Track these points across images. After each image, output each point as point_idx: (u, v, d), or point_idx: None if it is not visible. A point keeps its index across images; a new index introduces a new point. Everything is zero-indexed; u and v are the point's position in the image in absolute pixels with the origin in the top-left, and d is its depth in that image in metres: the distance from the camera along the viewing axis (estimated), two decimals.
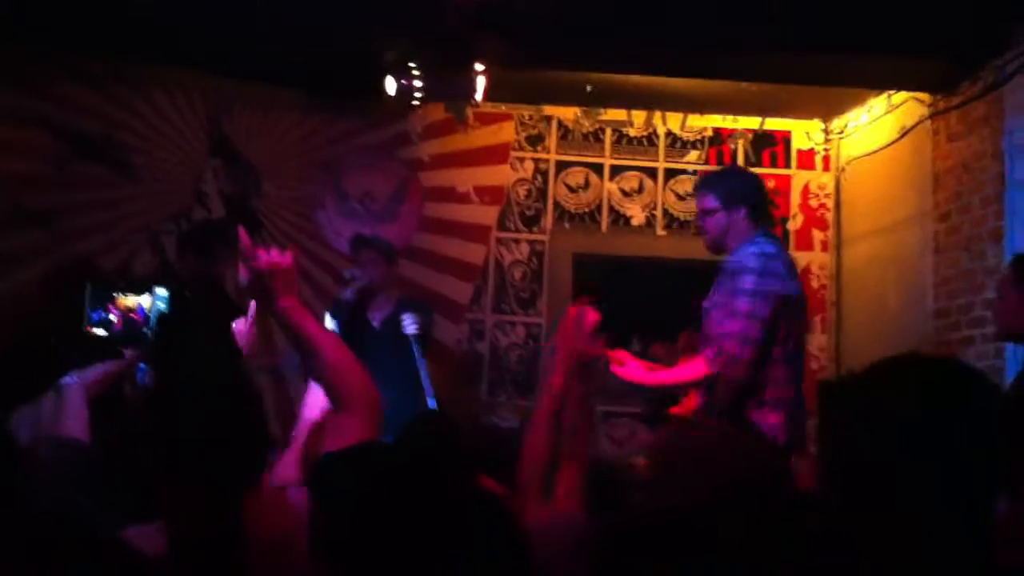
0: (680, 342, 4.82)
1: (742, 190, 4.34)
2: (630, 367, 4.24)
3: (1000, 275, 3.81)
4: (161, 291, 2.82)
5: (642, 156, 7.60)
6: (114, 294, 2.81)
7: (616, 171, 7.60)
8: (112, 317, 2.81)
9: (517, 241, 7.49)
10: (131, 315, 2.81)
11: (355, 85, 6.55)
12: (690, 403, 4.39)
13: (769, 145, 7.64)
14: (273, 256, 2.52)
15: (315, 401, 2.71)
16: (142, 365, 3.14)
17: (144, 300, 2.81)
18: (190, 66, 6.67)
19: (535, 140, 7.54)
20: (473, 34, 5.17)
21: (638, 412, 6.48)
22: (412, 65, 5.65)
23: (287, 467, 2.54)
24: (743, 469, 1.99)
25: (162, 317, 2.79)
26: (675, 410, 4.37)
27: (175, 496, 2.09)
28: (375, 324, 5.82)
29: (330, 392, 2.48)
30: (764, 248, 4.20)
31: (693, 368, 4.21)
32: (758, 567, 1.80)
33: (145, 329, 2.80)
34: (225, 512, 2.07)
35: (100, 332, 2.81)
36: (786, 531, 1.87)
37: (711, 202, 4.35)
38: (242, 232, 2.58)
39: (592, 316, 3.13)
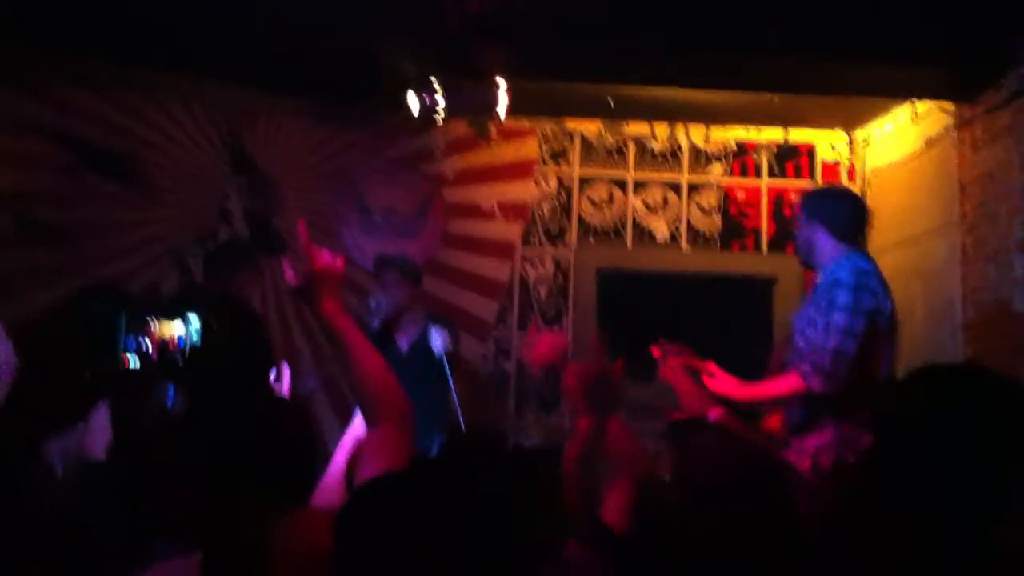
0: (772, 357, 4.83)
1: (824, 207, 4.40)
2: (721, 380, 4.28)
3: None
4: (194, 317, 2.81)
5: (666, 170, 7.59)
6: (149, 320, 2.79)
7: (640, 186, 7.59)
8: (146, 344, 2.80)
9: (542, 257, 7.48)
10: (165, 342, 2.79)
11: (377, 101, 6.57)
12: (774, 420, 4.42)
13: (793, 157, 7.61)
14: (326, 257, 2.53)
15: (359, 423, 2.70)
16: (171, 389, 3.12)
17: (178, 326, 2.80)
18: (210, 79, 6.67)
19: (558, 155, 7.54)
20: (481, 42, 5.17)
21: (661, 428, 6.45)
22: (432, 79, 5.66)
23: (327, 491, 2.52)
24: (743, 472, 1.99)
25: (194, 348, 2.77)
26: (678, 416, 4.33)
27: (209, 521, 2.08)
28: (403, 348, 5.75)
29: (363, 404, 2.48)
30: (858, 263, 4.22)
31: (787, 383, 4.23)
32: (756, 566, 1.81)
33: (178, 356, 2.78)
34: (259, 538, 2.06)
35: (133, 361, 2.79)
36: (782, 534, 1.87)
37: (800, 216, 4.53)
38: (302, 227, 2.62)
39: (559, 340, 3.21)
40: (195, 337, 2.73)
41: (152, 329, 2.77)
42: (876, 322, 4.15)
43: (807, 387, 4.11)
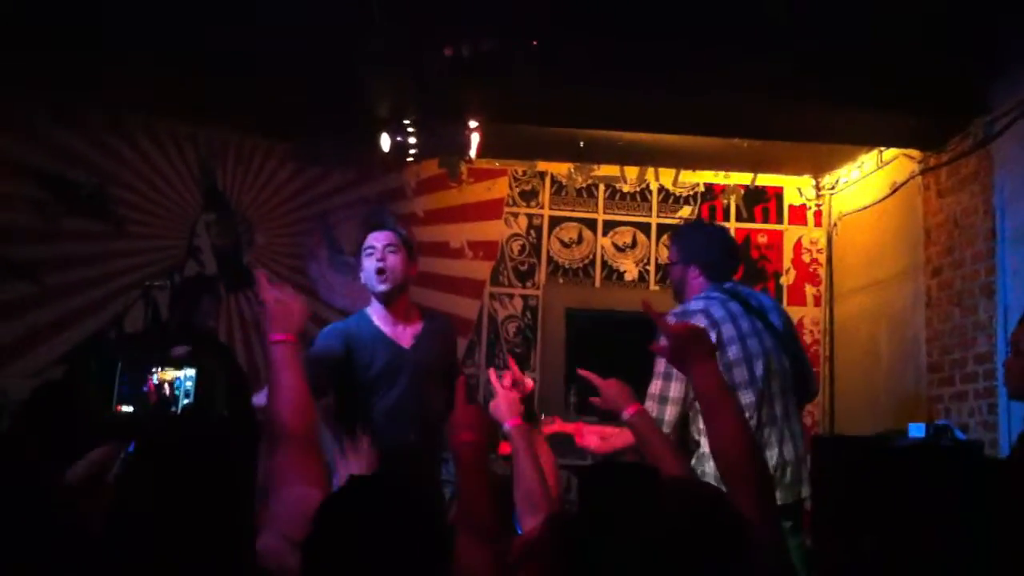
0: None
1: (696, 247, 4.36)
2: (587, 437, 4.26)
3: (1017, 330, 3.73)
4: (190, 371, 2.80)
5: (635, 211, 7.64)
6: (151, 368, 2.78)
7: (609, 226, 7.63)
8: (142, 392, 2.79)
9: (511, 296, 7.50)
10: (162, 392, 2.78)
11: (348, 139, 6.59)
12: None
13: (761, 201, 7.69)
14: (278, 291, 2.64)
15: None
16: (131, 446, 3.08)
17: (172, 375, 2.79)
18: (183, 115, 6.69)
19: (529, 195, 7.58)
20: (456, 86, 5.19)
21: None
22: (406, 121, 5.68)
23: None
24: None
25: (187, 408, 2.77)
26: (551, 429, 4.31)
27: None
28: (404, 345, 4.48)
29: (273, 427, 2.53)
30: (689, 305, 4.19)
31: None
32: None
33: (173, 408, 2.77)
34: None
35: (127, 410, 2.77)
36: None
37: (671, 255, 4.50)
38: (260, 274, 2.77)
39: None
40: (190, 387, 2.73)
41: (151, 377, 2.76)
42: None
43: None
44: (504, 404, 3.31)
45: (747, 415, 3.96)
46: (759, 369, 4.07)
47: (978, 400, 5.59)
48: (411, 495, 2.05)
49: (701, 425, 4.08)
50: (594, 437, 4.26)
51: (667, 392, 4.07)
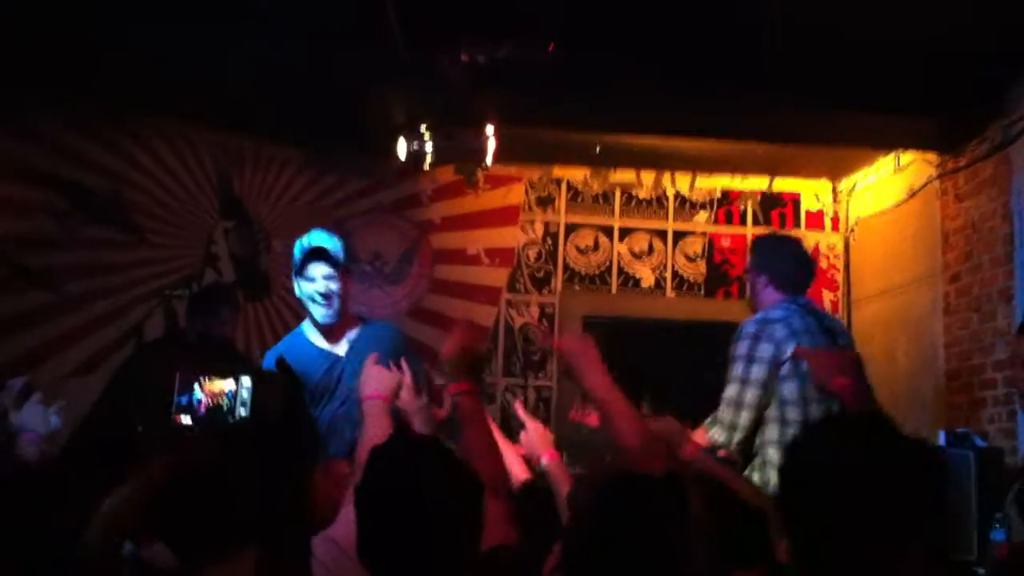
0: None
1: (770, 258, 4.41)
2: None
3: (1016, 341, 3.75)
4: (246, 379, 2.83)
5: (652, 217, 7.63)
6: (201, 378, 2.81)
7: (625, 232, 7.62)
8: (197, 402, 2.81)
9: (527, 303, 7.49)
10: (216, 401, 2.81)
11: (365, 146, 6.61)
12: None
13: (778, 205, 7.66)
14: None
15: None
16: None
17: (229, 385, 2.82)
18: (200, 124, 6.71)
19: (545, 202, 7.58)
20: (472, 92, 5.20)
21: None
22: (423, 127, 5.69)
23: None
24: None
25: (243, 417, 2.80)
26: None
27: None
28: (340, 353, 4.46)
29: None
30: (770, 313, 4.22)
31: (699, 436, 4.22)
32: None
33: (229, 418, 2.80)
34: None
35: (185, 419, 2.81)
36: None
37: (748, 263, 4.62)
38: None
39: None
40: (245, 396, 2.76)
41: (204, 387, 2.79)
42: (782, 367, 4.12)
43: (711, 439, 4.15)
44: (536, 437, 3.33)
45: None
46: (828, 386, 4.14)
47: (997, 407, 5.56)
48: (451, 455, 2.28)
49: (766, 435, 4.11)
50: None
51: (743, 397, 4.09)
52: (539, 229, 7.56)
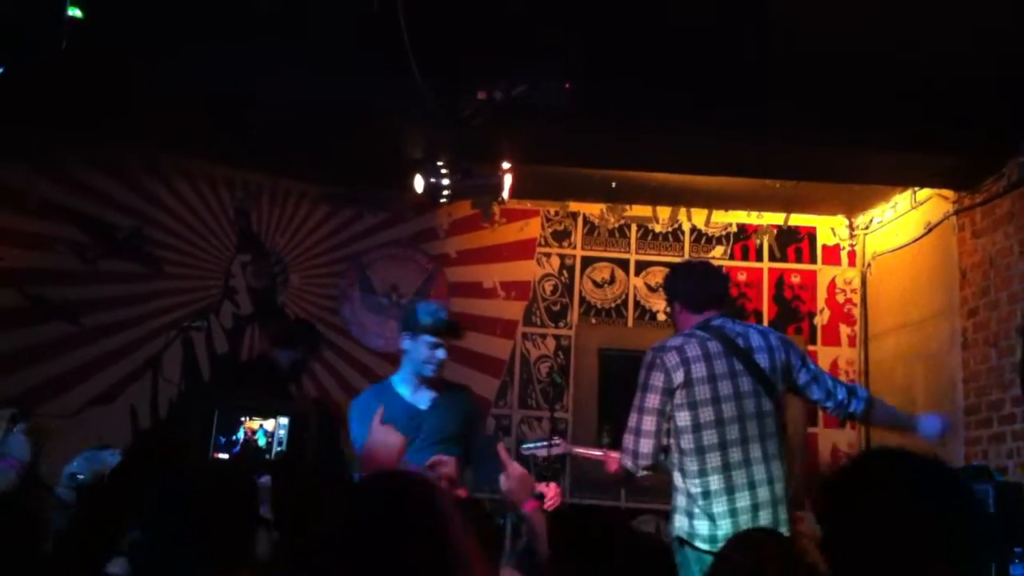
0: None
1: (676, 286, 4.44)
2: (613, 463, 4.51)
3: None
4: (283, 420, 2.88)
5: (667, 251, 7.64)
6: (241, 418, 2.86)
7: (642, 266, 7.63)
8: (237, 439, 2.86)
9: (543, 336, 7.50)
10: (254, 439, 2.86)
11: (382, 180, 6.66)
12: None
13: (794, 241, 7.67)
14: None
15: None
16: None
17: (268, 424, 2.87)
18: (220, 160, 6.79)
19: (561, 236, 7.61)
20: (494, 128, 5.24)
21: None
22: (440, 163, 5.72)
23: None
24: None
25: (279, 455, 2.85)
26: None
27: None
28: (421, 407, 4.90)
29: None
30: (668, 341, 4.23)
31: (616, 461, 4.37)
32: None
33: (267, 456, 2.85)
34: None
35: (223, 456, 2.86)
36: None
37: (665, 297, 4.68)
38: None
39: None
40: (282, 435, 2.81)
41: (245, 425, 2.84)
42: (675, 395, 4.10)
43: (623, 465, 4.19)
44: (517, 483, 3.30)
45: (712, 455, 4.05)
46: (729, 411, 4.10)
47: (1016, 442, 5.54)
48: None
49: (670, 461, 4.13)
50: (615, 463, 4.42)
51: (640, 424, 4.12)
52: (555, 263, 7.59)
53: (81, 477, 3.10)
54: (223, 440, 2.83)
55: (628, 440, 4.15)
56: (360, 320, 7.28)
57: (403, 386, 4.67)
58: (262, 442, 2.83)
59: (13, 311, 6.32)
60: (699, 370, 4.12)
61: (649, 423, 4.11)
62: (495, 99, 4.94)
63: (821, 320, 7.58)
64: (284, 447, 2.82)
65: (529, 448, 5.31)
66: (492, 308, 7.46)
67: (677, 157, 6.14)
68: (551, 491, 4.01)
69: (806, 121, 5.43)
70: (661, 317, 7.57)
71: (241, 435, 2.86)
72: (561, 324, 7.52)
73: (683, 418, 4.09)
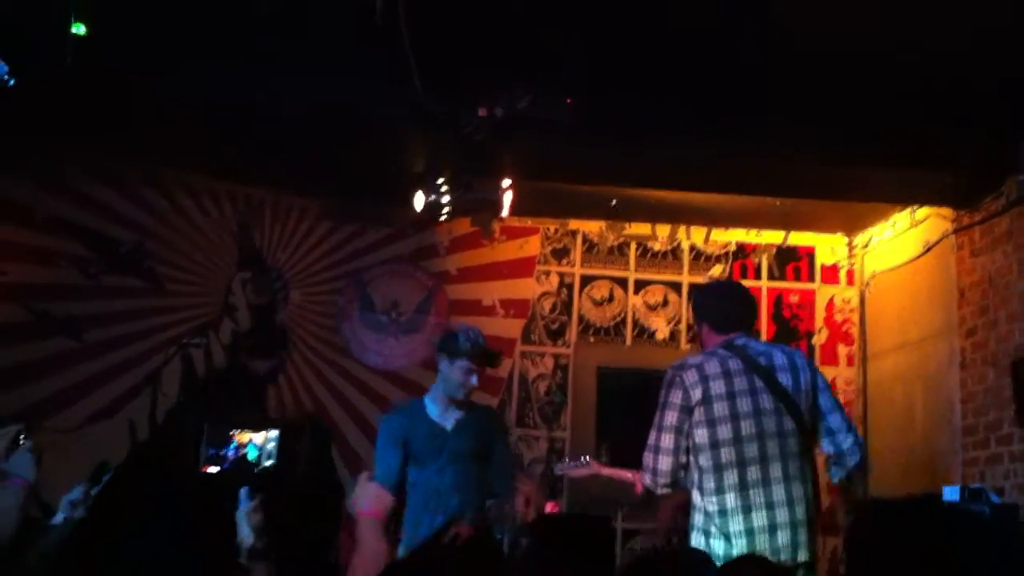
0: None
1: (703, 305, 4.43)
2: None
3: None
4: (273, 433, 2.89)
5: (667, 270, 7.66)
6: (230, 432, 2.88)
7: (641, 285, 7.65)
8: (225, 454, 2.87)
9: (542, 354, 7.51)
10: (243, 452, 2.87)
11: (383, 197, 6.68)
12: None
13: (793, 259, 7.69)
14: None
15: None
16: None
17: (257, 438, 2.87)
18: (220, 175, 6.81)
19: (560, 253, 7.62)
20: (494, 144, 5.27)
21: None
22: (440, 180, 5.74)
23: None
24: None
25: (268, 469, 2.86)
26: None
27: None
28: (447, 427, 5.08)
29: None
30: (689, 359, 4.22)
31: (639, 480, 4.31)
32: None
33: (256, 469, 2.86)
34: None
35: (213, 469, 2.87)
36: None
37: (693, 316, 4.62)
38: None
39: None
40: (272, 448, 2.82)
41: (234, 438, 2.85)
42: (694, 412, 4.07)
43: (643, 483, 4.18)
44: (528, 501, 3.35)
45: (730, 472, 4.00)
46: (748, 428, 4.05)
47: (1013, 463, 5.54)
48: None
49: (690, 480, 4.11)
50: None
51: (659, 442, 4.11)
52: (554, 280, 7.60)
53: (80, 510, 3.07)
54: (213, 452, 2.83)
55: (648, 458, 4.11)
56: (359, 338, 7.28)
57: (433, 405, 4.86)
58: (253, 455, 2.83)
59: (17, 326, 6.36)
60: (718, 387, 4.08)
61: (667, 441, 4.07)
62: (496, 115, 4.96)
63: (819, 339, 7.59)
64: (275, 460, 2.82)
65: (562, 468, 5.35)
66: (491, 326, 7.45)
67: (677, 172, 6.15)
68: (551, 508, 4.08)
69: (805, 133, 5.44)
70: (660, 336, 7.58)
71: (232, 449, 2.86)
72: (560, 342, 7.53)
73: (701, 435, 4.04)
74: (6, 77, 4.28)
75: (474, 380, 4.83)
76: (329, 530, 2.48)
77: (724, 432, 4.04)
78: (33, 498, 3.23)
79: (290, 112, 5.31)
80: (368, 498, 2.97)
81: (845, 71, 5.04)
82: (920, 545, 1.87)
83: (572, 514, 5.46)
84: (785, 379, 4.16)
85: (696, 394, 4.07)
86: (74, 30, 4.29)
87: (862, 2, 4.69)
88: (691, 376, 4.08)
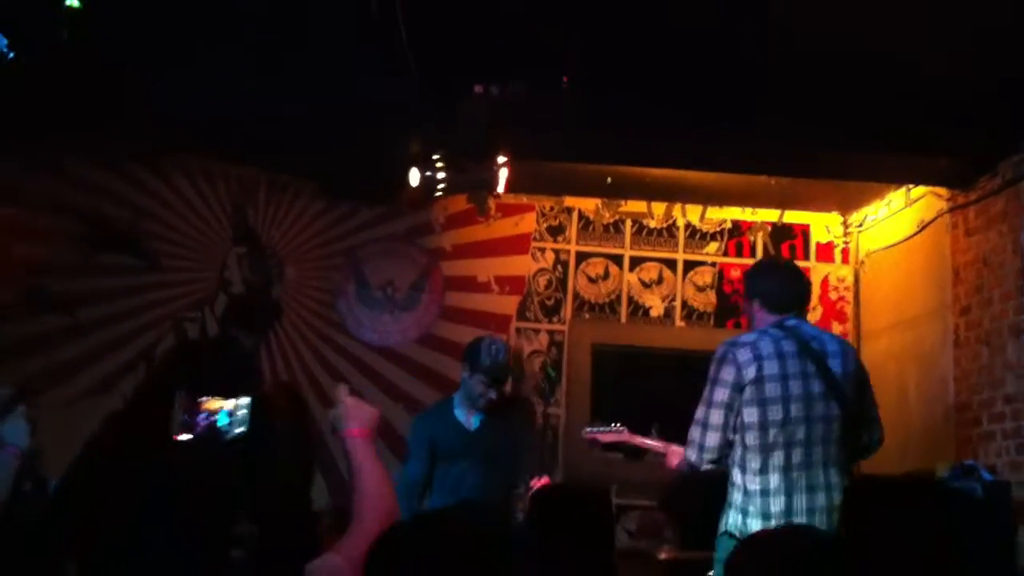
0: None
1: (757, 284, 4.40)
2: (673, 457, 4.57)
3: None
4: (244, 400, 2.86)
5: (662, 248, 7.66)
6: (200, 399, 2.85)
7: (636, 262, 7.65)
8: (196, 420, 2.84)
9: (537, 331, 7.51)
10: (213, 419, 2.84)
11: (378, 175, 6.66)
12: None
13: (788, 238, 7.69)
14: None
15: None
16: None
17: (228, 405, 2.85)
18: (216, 155, 6.80)
19: (556, 231, 7.62)
20: (493, 127, 5.27)
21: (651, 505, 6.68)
22: (436, 158, 5.74)
23: None
24: None
25: (241, 435, 2.82)
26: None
27: None
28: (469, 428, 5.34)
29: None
30: (743, 337, 4.22)
31: (678, 454, 4.39)
32: None
33: (227, 437, 2.83)
34: None
35: (184, 437, 2.84)
36: None
37: (743, 292, 4.63)
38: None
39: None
40: (244, 414, 2.78)
41: (203, 405, 2.82)
42: (745, 391, 4.08)
43: (686, 458, 4.20)
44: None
45: (776, 453, 4.01)
46: (796, 411, 4.05)
47: (1006, 440, 5.56)
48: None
49: (731, 458, 4.11)
50: (677, 457, 4.47)
51: (708, 418, 4.12)
52: (550, 257, 7.60)
53: None
54: (185, 419, 2.80)
55: (695, 432, 4.13)
56: (355, 315, 7.28)
57: (460, 408, 5.20)
58: (223, 422, 2.81)
59: (11, 303, 6.35)
60: (771, 367, 4.09)
61: (717, 417, 4.09)
62: (492, 96, 4.96)
63: (814, 317, 7.57)
64: (246, 428, 2.79)
65: (591, 431, 5.29)
66: (486, 303, 7.47)
67: (673, 155, 6.15)
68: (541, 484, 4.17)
69: (801, 120, 5.43)
70: (654, 313, 7.59)
71: (203, 416, 2.83)
72: (555, 319, 7.54)
73: (750, 414, 4.06)
74: (5, 51, 4.26)
75: (492, 394, 5.07)
76: (304, 493, 2.46)
77: (775, 413, 4.05)
78: (28, 469, 3.19)
79: (289, 112, 5.32)
80: (354, 416, 2.78)
81: (845, 71, 5.04)
82: (913, 522, 1.88)
83: (570, 486, 5.45)
84: (836, 366, 4.17)
85: (749, 372, 4.08)
86: (67, 3, 4.27)
87: (862, 2, 4.68)
88: (745, 354, 4.09)
